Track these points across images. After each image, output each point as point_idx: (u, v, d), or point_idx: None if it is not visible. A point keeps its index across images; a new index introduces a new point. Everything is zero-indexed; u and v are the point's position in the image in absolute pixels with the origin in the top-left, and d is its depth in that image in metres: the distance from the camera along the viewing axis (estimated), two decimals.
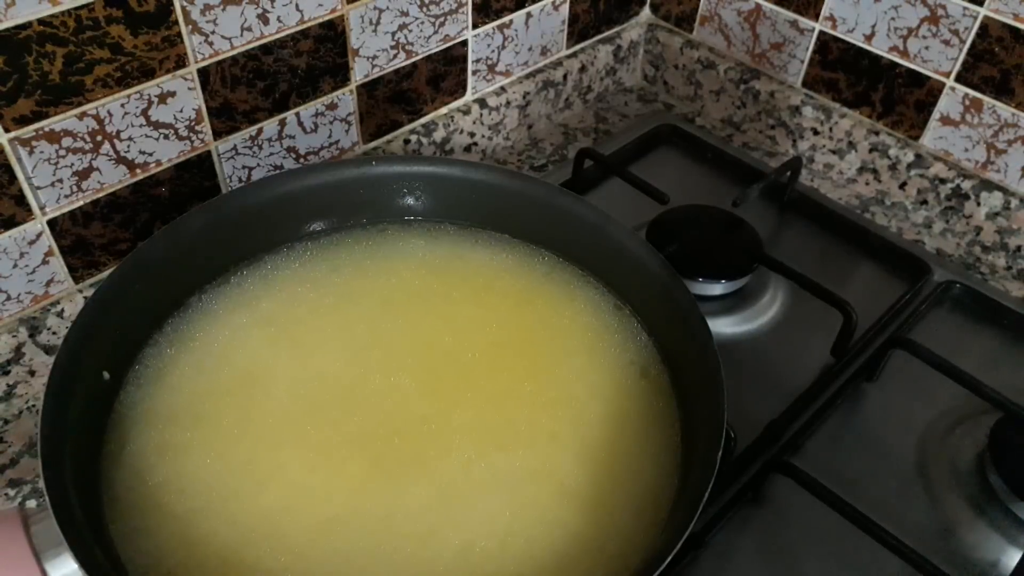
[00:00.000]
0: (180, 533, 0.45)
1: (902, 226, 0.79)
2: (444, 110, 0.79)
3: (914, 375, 0.63)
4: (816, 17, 0.80)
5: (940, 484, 0.58)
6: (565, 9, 0.83)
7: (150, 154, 0.59)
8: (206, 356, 0.53)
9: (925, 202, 0.79)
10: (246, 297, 0.57)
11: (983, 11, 0.70)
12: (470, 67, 0.78)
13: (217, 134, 0.62)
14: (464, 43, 0.76)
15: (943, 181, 0.77)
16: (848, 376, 0.64)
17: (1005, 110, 0.72)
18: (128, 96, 0.56)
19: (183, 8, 0.55)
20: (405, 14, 0.69)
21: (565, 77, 0.87)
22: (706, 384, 0.49)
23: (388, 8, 0.67)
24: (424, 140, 0.77)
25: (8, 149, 0.52)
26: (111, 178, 0.58)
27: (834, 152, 0.83)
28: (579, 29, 0.87)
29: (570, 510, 0.48)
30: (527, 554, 0.45)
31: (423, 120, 0.77)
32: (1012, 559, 0.54)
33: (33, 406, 0.60)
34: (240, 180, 0.66)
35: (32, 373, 0.60)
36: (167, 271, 0.54)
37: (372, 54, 0.69)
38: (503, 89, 0.82)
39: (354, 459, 0.49)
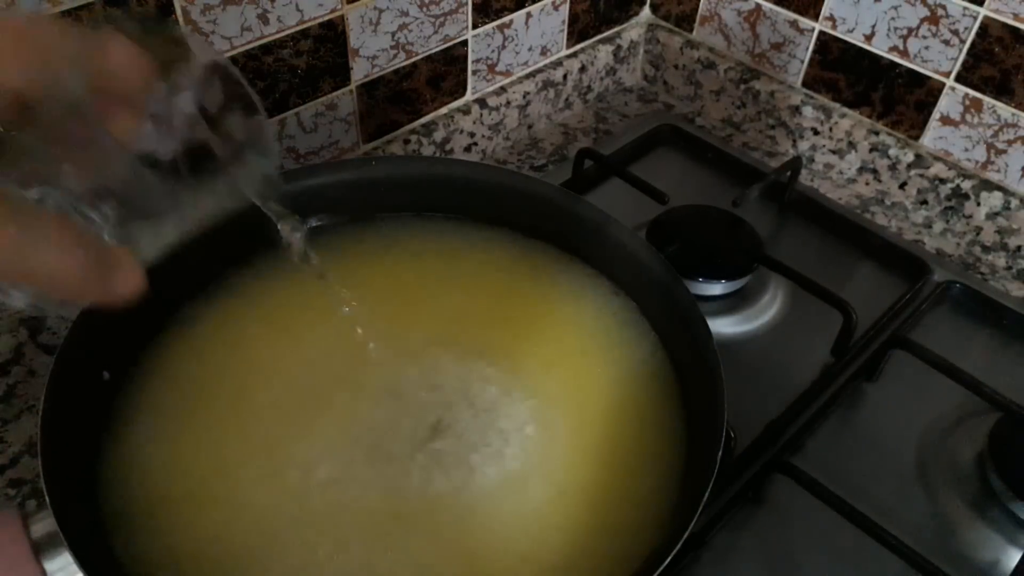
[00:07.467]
0: (181, 532, 0.45)
1: (902, 226, 0.79)
2: (444, 110, 0.79)
3: (914, 375, 0.63)
4: (816, 17, 0.80)
5: (940, 484, 0.58)
6: (565, 9, 0.83)
7: None
8: (206, 355, 0.53)
9: (925, 202, 0.79)
10: (245, 296, 0.57)
11: (983, 11, 0.70)
12: (470, 67, 0.78)
13: None
14: (464, 43, 0.76)
15: (943, 181, 0.77)
16: (848, 376, 0.64)
17: (1005, 110, 0.72)
18: None
19: (183, 8, 0.55)
20: (405, 14, 0.69)
21: (565, 77, 0.87)
22: (706, 384, 0.49)
23: (388, 8, 0.67)
24: (424, 140, 0.77)
25: None
26: None
27: (834, 152, 0.83)
28: (579, 29, 0.87)
29: (570, 510, 0.47)
30: (527, 554, 0.45)
31: (423, 120, 0.77)
32: (1012, 559, 0.54)
33: (33, 406, 0.60)
34: None
35: (32, 373, 0.60)
36: (166, 270, 0.54)
37: (372, 54, 0.69)
38: (503, 89, 0.82)
39: (355, 455, 0.49)
